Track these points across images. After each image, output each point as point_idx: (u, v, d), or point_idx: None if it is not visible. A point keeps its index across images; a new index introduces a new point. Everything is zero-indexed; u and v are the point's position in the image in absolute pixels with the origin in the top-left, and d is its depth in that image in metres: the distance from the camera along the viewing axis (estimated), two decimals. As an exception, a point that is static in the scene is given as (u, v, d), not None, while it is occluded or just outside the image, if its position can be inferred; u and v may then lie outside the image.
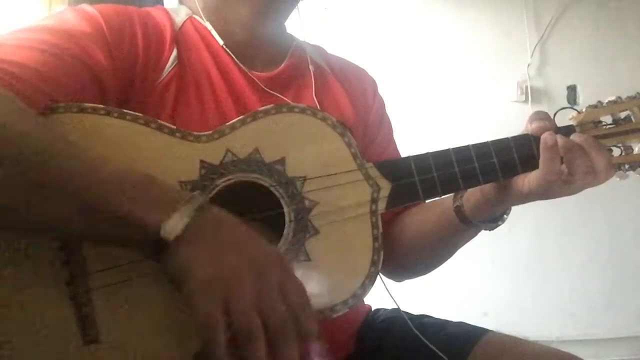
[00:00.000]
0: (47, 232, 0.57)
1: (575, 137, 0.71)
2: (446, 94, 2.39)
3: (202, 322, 0.50)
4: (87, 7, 0.72)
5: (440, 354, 0.79)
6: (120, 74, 0.70)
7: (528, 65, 2.39)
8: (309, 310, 0.54)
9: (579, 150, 0.70)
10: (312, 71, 0.87)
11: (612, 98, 0.75)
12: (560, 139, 0.70)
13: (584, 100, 2.34)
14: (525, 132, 0.75)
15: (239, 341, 0.51)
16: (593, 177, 0.70)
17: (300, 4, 0.85)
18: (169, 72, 0.74)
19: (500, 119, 2.31)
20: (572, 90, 2.38)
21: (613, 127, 0.75)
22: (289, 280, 0.55)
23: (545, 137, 0.71)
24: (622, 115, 0.75)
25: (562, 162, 0.71)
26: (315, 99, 0.85)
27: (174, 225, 0.52)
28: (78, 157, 0.55)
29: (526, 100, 2.38)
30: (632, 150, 0.75)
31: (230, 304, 0.51)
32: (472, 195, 0.78)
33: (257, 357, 0.50)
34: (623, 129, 0.74)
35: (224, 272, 0.52)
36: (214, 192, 0.65)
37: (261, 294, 0.52)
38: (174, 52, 0.76)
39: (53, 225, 0.55)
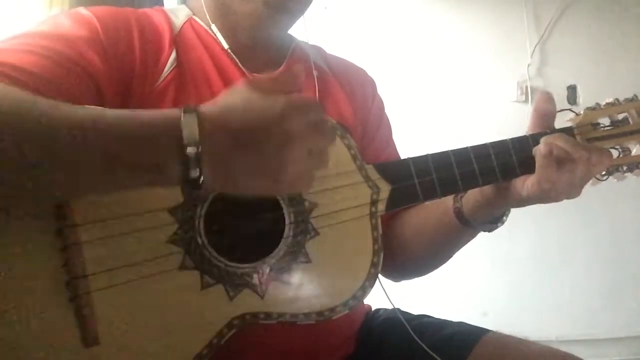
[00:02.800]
0: (70, 190, 0.54)
1: (561, 144, 0.71)
2: (446, 94, 2.39)
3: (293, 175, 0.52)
4: (83, 11, 0.72)
5: (436, 357, 0.80)
6: (117, 76, 0.70)
7: (528, 65, 2.38)
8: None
9: (577, 159, 0.70)
10: (315, 76, 0.87)
11: (610, 100, 0.75)
12: (556, 149, 0.70)
13: (584, 100, 2.34)
14: (524, 134, 0.76)
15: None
16: (587, 179, 0.71)
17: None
18: (168, 74, 0.74)
19: (500, 119, 2.31)
20: (572, 90, 2.38)
21: (611, 129, 0.75)
22: (305, 114, 0.53)
23: (539, 146, 0.72)
24: (620, 117, 0.76)
25: (560, 169, 0.71)
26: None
27: (192, 153, 0.49)
28: (82, 113, 0.52)
29: (526, 100, 2.38)
30: (630, 151, 0.75)
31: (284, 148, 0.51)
32: (471, 197, 0.78)
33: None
34: (621, 131, 0.75)
35: (260, 149, 0.51)
36: (214, 193, 0.65)
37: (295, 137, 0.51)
38: (173, 54, 0.75)
39: (75, 181, 0.51)
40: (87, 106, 0.53)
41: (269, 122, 0.51)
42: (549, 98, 0.75)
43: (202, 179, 0.50)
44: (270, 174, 0.52)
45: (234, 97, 0.53)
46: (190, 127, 0.50)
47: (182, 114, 0.50)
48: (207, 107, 0.52)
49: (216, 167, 0.51)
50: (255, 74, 0.81)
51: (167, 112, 0.52)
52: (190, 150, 0.49)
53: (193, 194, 0.53)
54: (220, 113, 0.52)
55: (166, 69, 0.74)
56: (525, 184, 0.73)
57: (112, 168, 0.50)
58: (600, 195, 2.21)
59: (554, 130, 0.75)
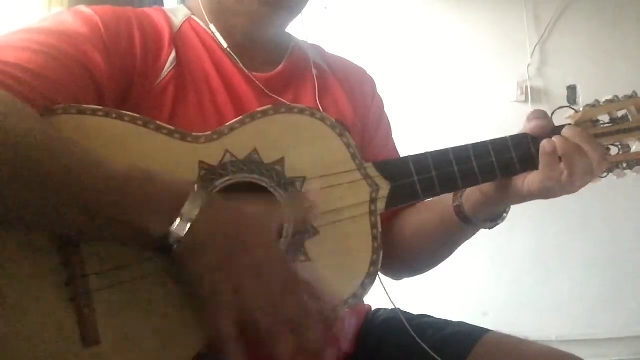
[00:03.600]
0: (49, 230, 0.57)
1: (567, 132, 0.72)
2: (446, 93, 2.39)
3: (215, 334, 0.53)
4: (84, 9, 0.72)
5: (436, 357, 0.79)
6: (118, 75, 0.70)
7: (528, 65, 2.39)
8: (322, 297, 0.57)
9: (577, 151, 0.70)
10: (314, 75, 0.87)
11: (609, 97, 0.75)
12: (559, 143, 0.71)
13: (584, 100, 2.33)
14: (523, 132, 0.76)
15: (264, 342, 0.53)
16: (591, 176, 0.71)
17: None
18: (168, 73, 0.74)
19: (500, 119, 2.31)
20: (572, 90, 2.38)
21: (610, 126, 0.75)
22: (288, 283, 0.56)
23: (544, 144, 0.72)
24: (619, 114, 0.76)
25: (560, 161, 0.71)
26: (318, 102, 0.85)
27: (178, 227, 0.53)
28: (79, 157, 0.55)
29: (526, 100, 2.38)
30: (630, 148, 0.75)
31: (243, 310, 0.53)
32: (471, 194, 0.78)
33: (285, 351, 0.52)
34: (620, 128, 0.75)
35: (232, 278, 0.53)
36: (213, 192, 0.65)
37: (272, 294, 0.54)
38: (173, 54, 0.75)
39: (54, 224, 0.55)
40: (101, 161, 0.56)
41: (260, 262, 0.54)
42: (540, 115, 0.76)
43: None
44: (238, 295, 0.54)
45: (256, 226, 0.58)
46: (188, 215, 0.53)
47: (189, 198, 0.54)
48: (221, 209, 0.56)
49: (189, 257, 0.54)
50: (254, 73, 0.81)
51: (178, 189, 0.56)
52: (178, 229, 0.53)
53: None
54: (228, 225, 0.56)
55: (166, 68, 0.74)
56: (526, 181, 0.73)
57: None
58: (600, 195, 2.21)
59: (554, 128, 0.75)
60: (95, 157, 0.55)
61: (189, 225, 0.53)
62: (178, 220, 0.53)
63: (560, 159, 0.71)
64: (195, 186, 0.56)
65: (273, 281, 0.54)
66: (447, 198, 0.81)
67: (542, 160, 0.72)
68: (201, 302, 0.55)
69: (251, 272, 0.54)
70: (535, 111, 0.76)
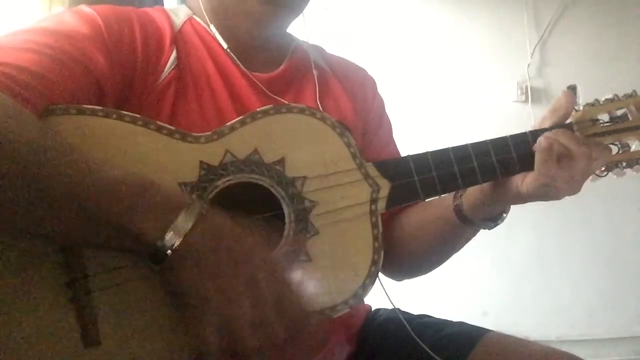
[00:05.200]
0: (41, 234, 0.57)
1: (550, 134, 0.72)
2: (446, 93, 2.39)
3: (199, 345, 0.53)
4: (86, 9, 0.72)
5: (436, 357, 0.79)
6: (119, 75, 0.69)
7: (528, 65, 2.39)
8: (310, 320, 0.56)
9: (565, 152, 0.70)
10: (315, 76, 0.87)
11: (609, 96, 0.75)
12: (557, 145, 0.71)
13: (584, 100, 2.33)
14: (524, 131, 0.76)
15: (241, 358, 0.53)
16: (584, 175, 0.71)
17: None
18: (168, 73, 0.74)
19: (500, 119, 2.31)
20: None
21: (610, 125, 0.75)
22: (287, 292, 0.56)
23: (540, 141, 0.72)
24: (619, 113, 0.76)
25: (559, 165, 0.71)
26: (318, 102, 0.85)
27: (171, 238, 0.53)
28: (76, 162, 0.54)
29: (526, 100, 2.38)
30: (629, 147, 0.75)
31: (228, 325, 0.52)
32: (471, 194, 0.78)
33: None
34: (620, 127, 0.75)
35: (221, 292, 0.53)
36: (213, 193, 0.65)
37: (259, 311, 0.53)
38: (174, 54, 0.75)
39: (51, 229, 0.55)
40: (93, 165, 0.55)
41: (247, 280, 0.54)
42: (569, 97, 0.76)
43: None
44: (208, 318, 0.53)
45: (255, 252, 0.56)
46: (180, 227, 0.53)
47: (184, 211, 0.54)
48: (218, 225, 0.56)
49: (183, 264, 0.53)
50: (255, 73, 0.81)
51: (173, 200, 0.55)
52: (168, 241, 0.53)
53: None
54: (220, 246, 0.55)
55: (167, 68, 0.74)
56: (524, 180, 0.73)
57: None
58: (600, 195, 2.21)
59: (553, 127, 0.75)
60: (92, 162, 0.55)
61: (182, 236, 0.53)
62: (172, 232, 0.53)
63: (557, 157, 0.71)
64: (193, 197, 0.57)
65: (266, 296, 0.54)
66: (447, 198, 0.81)
67: (536, 156, 0.72)
68: (189, 311, 0.55)
69: (244, 285, 0.54)
70: (568, 90, 0.76)
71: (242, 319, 0.53)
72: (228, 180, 0.66)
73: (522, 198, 0.74)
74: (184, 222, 0.53)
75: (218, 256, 0.54)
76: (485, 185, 0.76)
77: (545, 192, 0.72)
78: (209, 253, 0.54)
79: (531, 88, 2.38)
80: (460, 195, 0.79)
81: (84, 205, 0.53)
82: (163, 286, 0.57)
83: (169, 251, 0.53)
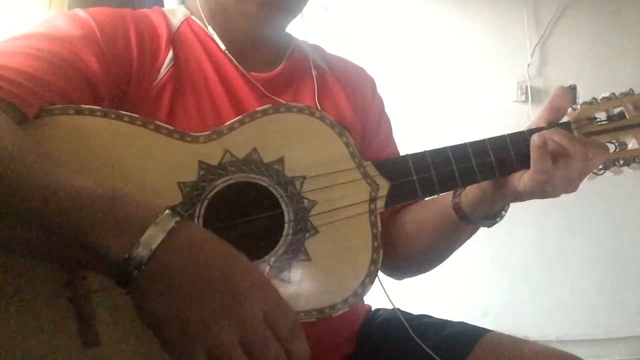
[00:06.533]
0: (13, 252, 0.54)
1: (547, 134, 0.71)
2: (446, 93, 2.39)
3: None
4: (80, 12, 0.72)
5: (436, 357, 0.79)
6: (114, 77, 0.70)
7: (528, 65, 2.39)
8: (298, 334, 0.51)
9: (561, 150, 0.70)
10: (314, 76, 0.87)
11: (607, 94, 0.75)
12: (552, 143, 0.71)
13: (584, 100, 2.34)
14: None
15: None
16: (581, 173, 0.71)
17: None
18: (165, 73, 0.74)
19: (500, 119, 2.31)
20: (572, 90, 2.38)
21: (607, 124, 0.76)
22: (273, 306, 0.50)
23: (534, 138, 0.72)
24: (616, 111, 0.76)
25: (555, 163, 0.71)
26: (317, 103, 0.84)
27: (138, 255, 0.48)
28: (45, 172, 0.51)
29: (526, 100, 2.38)
30: (627, 145, 0.75)
31: (213, 351, 0.47)
32: (470, 192, 0.78)
33: None
34: (617, 125, 0.75)
35: (200, 314, 0.47)
36: (212, 192, 0.65)
37: (245, 331, 0.48)
38: (170, 54, 0.75)
39: (16, 245, 0.52)
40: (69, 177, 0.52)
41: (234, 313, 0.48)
42: (564, 94, 0.76)
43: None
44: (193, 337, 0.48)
45: (229, 261, 0.51)
46: (151, 237, 0.48)
47: (153, 225, 0.49)
48: (194, 236, 0.51)
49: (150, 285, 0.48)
50: (253, 73, 0.81)
51: (148, 210, 0.51)
52: (141, 252, 0.48)
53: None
54: (192, 256, 0.50)
55: (163, 68, 0.74)
56: (522, 178, 0.73)
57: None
58: (600, 194, 2.21)
59: (551, 125, 0.75)
60: (63, 173, 0.52)
61: (149, 252, 0.48)
62: (139, 247, 0.48)
63: (552, 155, 0.71)
64: (167, 211, 0.51)
65: (253, 311, 0.48)
66: (446, 197, 0.81)
67: (532, 154, 0.72)
68: (168, 340, 0.49)
69: (227, 303, 0.48)
70: (560, 88, 0.75)
71: (228, 344, 0.47)
72: (227, 180, 0.66)
73: (520, 196, 0.74)
74: (153, 237, 0.48)
75: (191, 273, 0.49)
76: (484, 183, 0.76)
77: (542, 190, 0.72)
78: (180, 271, 0.49)
79: (531, 88, 2.38)
80: (459, 194, 0.80)
81: (45, 221, 0.49)
82: (131, 303, 0.51)
83: (135, 271, 0.48)
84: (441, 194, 0.75)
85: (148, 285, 0.49)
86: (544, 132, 0.72)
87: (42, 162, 0.52)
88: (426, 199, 0.79)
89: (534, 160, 0.71)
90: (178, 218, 0.50)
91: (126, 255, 0.48)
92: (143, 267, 0.48)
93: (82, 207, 0.49)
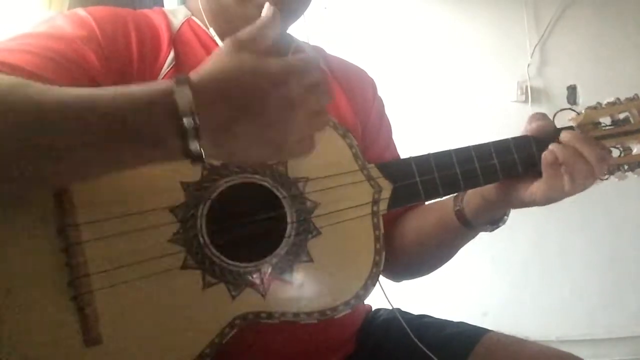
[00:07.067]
0: (68, 174, 0.52)
1: (564, 137, 0.72)
2: (446, 94, 2.39)
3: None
4: (80, 11, 0.72)
5: (435, 357, 0.80)
6: (115, 76, 0.69)
7: (528, 65, 2.39)
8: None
9: (576, 155, 0.70)
10: None
11: (611, 99, 0.75)
12: (558, 151, 0.71)
13: (584, 100, 2.34)
14: (525, 133, 0.76)
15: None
16: (592, 178, 0.71)
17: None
18: (166, 73, 0.74)
19: (500, 119, 2.31)
20: (572, 90, 2.38)
21: (612, 129, 0.75)
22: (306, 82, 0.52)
23: (545, 155, 0.72)
24: (621, 116, 0.76)
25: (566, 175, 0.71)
26: None
27: (183, 98, 0.47)
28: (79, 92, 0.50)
29: (526, 100, 2.38)
30: (631, 150, 0.75)
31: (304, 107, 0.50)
32: (472, 198, 0.78)
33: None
34: (622, 130, 0.75)
35: (267, 105, 0.49)
36: (215, 193, 0.65)
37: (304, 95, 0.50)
38: (171, 54, 0.75)
39: (74, 163, 0.50)
40: (79, 88, 0.51)
41: (266, 87, 0.49)
42: (540, 117, 0.76)
43: (202, 150, 0.49)
44: (270, 141, 0.50)
45: (225, 61, 0.51)
46: (184, 99, 0.48)
47: (175, 86, 0.49)
48: (199, 76, 0.50)
49: (215, 137, 0.49)
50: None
51: (160, 86, 0.50)
52: (187, 121, 0.47)
53: (196, 164, 0.51)
54: (213, 80, 0.50)
55: (164, 68, 0.74)
56: (530, 191, 0.73)
57: (111, 146, 0.49)
58: (601, 195, 2.21)
59: (555, 130, 0.75)
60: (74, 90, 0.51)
61: (190, 92, 0.48)
62: (180, 102, 0.48)
63: (561, 165, 0.71)
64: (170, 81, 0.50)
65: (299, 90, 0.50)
66: (448, 202, 0.81)
67: (545, 172, 0.72)
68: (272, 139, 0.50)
69: (281, 91, 0.49)
70: (535, 114, 0.76)
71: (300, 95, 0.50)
72: (230, 180, 0.66)
73: (525, 204, 0.75)
74: (185, 104, 0.48)
75: (235, 104, 0.49)
76: (487, 190, 0.76)
77: (551, 200, 0.73)
78: (225, 110, 0.49)
79: (531, 88, 2.38)
80: (462, 200, 0.80)
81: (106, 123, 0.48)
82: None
83: (196, 141, 0.48)
84: (442, 199, 0.75)
85: (212, 131, 0.48)
86: (553, 148, 0.72)
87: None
88: (427, 203, 0.79)
89: (547, 178, 0.71)
90: (185, 79, 0.50)
91: (181, 135, 0.48)
92: (198, 128, 0.47)
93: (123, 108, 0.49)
